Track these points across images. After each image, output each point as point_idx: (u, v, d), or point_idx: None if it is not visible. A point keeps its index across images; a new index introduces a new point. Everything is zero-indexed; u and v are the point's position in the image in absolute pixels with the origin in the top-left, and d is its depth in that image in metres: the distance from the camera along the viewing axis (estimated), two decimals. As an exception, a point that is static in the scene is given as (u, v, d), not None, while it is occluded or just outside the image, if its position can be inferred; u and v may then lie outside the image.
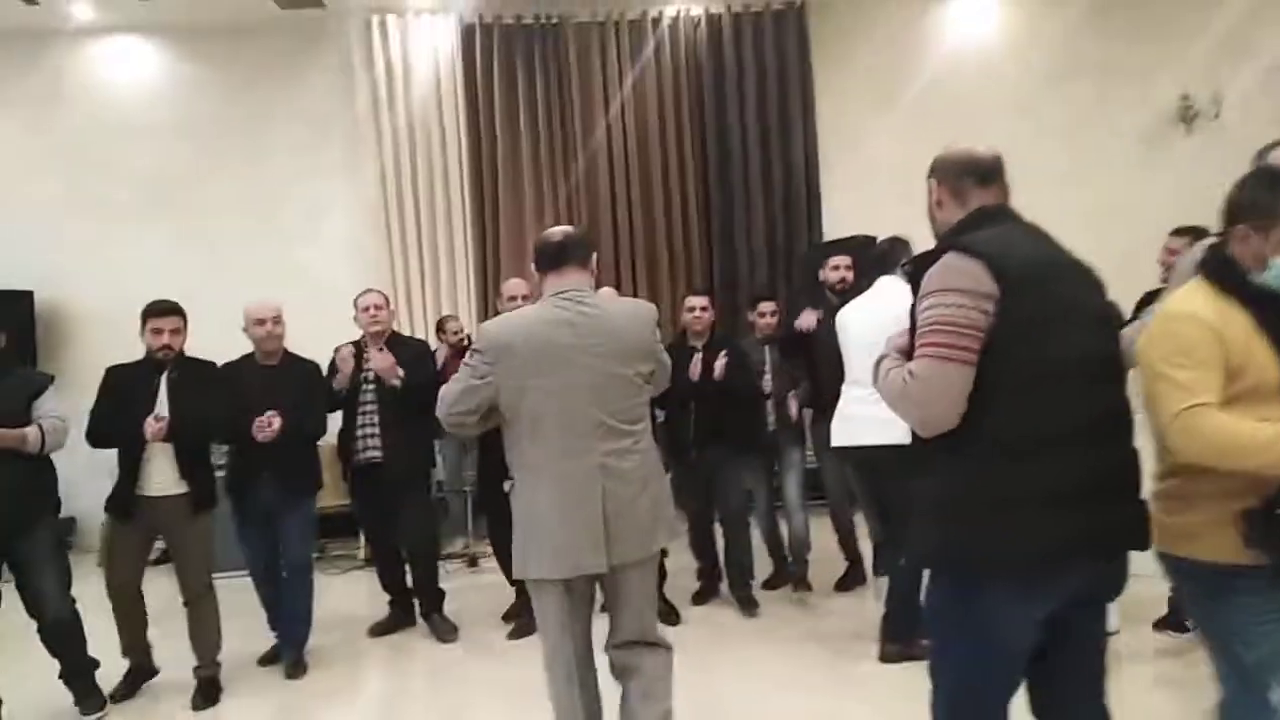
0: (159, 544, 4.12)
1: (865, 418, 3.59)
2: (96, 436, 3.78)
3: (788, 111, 7.29)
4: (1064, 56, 7.37)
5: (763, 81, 7.30)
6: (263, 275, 6.68)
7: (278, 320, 4.17)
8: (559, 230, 2.76)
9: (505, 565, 4.56)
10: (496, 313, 4.40)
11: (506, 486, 2.65)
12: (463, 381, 2.57)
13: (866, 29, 7.43)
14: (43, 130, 7.22)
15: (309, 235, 7.21)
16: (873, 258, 4.09)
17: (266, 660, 4.32)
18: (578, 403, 2.52)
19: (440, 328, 6.43)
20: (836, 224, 7.14)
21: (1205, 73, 7.30)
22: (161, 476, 3.77)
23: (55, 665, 3.77)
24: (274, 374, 4.13)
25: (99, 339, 6.43)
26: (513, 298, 4.30)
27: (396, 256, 7.21)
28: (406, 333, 6.26)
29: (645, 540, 2.60)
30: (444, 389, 2.62)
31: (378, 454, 4.40)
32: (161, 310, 3.84)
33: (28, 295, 6.87)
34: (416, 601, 4.71)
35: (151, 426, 3.67)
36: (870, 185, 7.02)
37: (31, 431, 3.53)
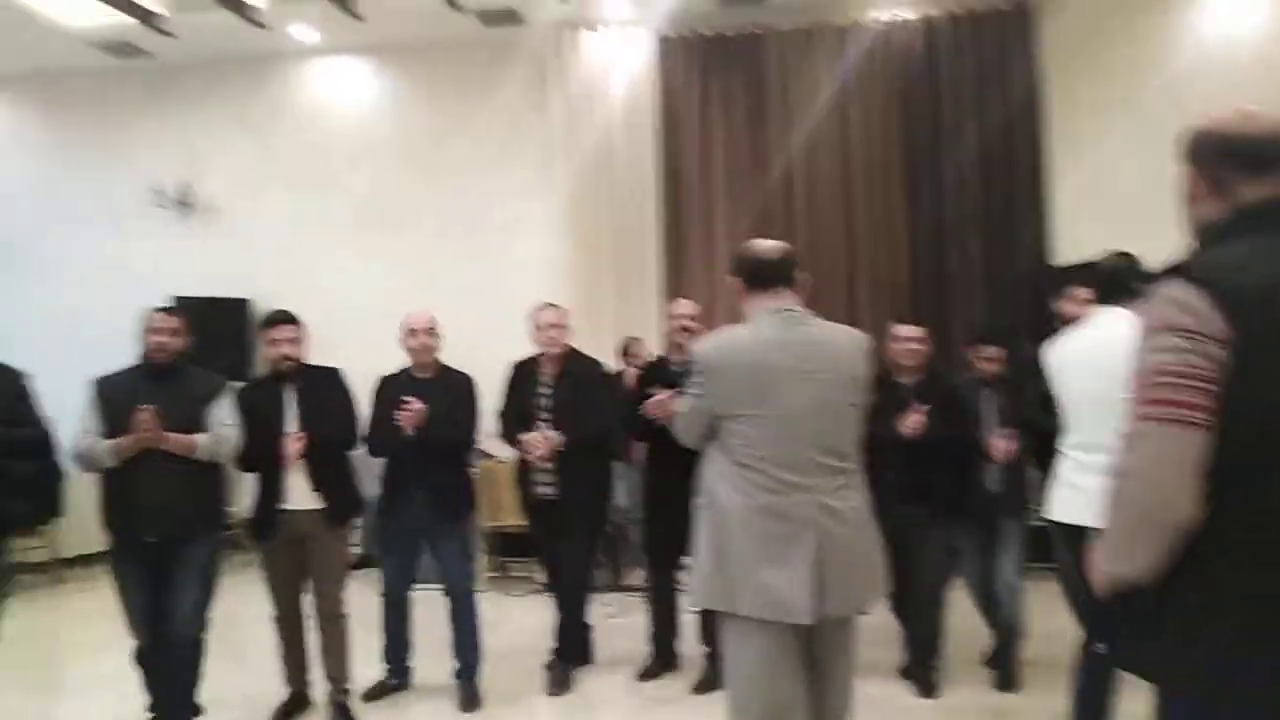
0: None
1: (1086, 489, 2.81)
2: (240, 460, 3.69)
3: (1011, 121, 6.56)
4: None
5: (983, 89, 6.61)
6: (459, 291, 6.87)
7: (431, 331, 4.05)
8: (773, 246, 2.57)
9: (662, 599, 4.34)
10: (670, 336, 4.20)
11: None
12: (686, 405, 2.54)
13: (1104, 28, 6.57)
14: (270, 147, 7.65)
15: (503, 251, 7.25)
16: (1096, 280, 3.17)
17: (373, 695, 4.09)
18: (794, 432, 2.35)
19: (625, 350, 6.23)
20: (1068, 247, 6.36)
21: None
22: (297, 490, 3.71)
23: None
24: (425, 386, 3.98)
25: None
26: (682, 321, 4.16)
27: (584, 275, 7.06)
28: (590, 354, 6.13)
29: (860, 593, 2.42)
30: (677, 418, 2.60)
31: (550, 490, 4.19)
32: (276, 320, 3.80)
33: (243, 304, 7.27)
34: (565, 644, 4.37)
35: (290, 446, 3.63)
36: (1107, 202, 6.24)
37: (202, 439, 3.42)
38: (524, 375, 4.28)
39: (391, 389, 3.99)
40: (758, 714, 2.35)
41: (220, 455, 3.50)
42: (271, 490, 3.72)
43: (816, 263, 6.80)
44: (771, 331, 2.41)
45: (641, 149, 7.01)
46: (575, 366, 4.25)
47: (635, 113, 7.02)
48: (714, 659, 4.05)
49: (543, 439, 4.05)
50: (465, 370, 4.14)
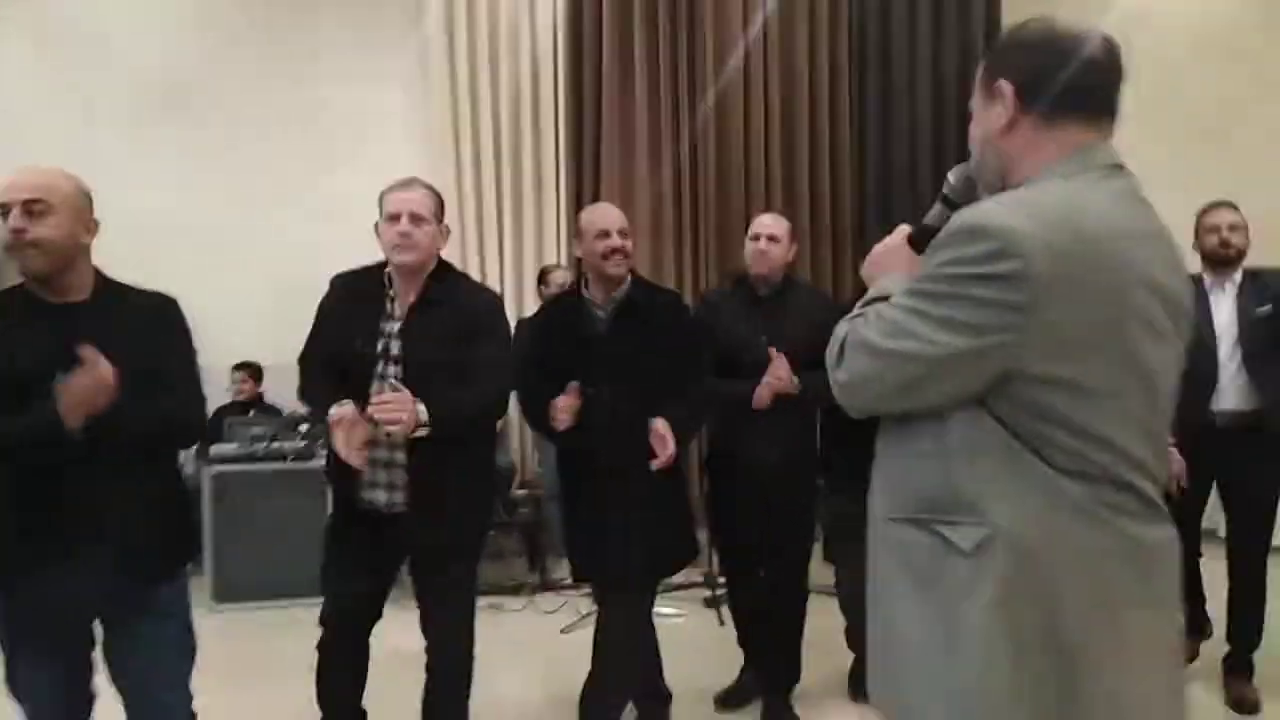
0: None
1: None
2: None
3: (968, 36, 5.87)
4: None
5: (939, 28, 5.92)
6: (291, 204, 5.35)
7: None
8: (1094, 35, 1.36)
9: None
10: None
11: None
12: (922, 338, 1.24)
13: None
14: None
15: (351, 157, 5.61)
16: None
17: None
18: (1161, 412, 1.30)
19: (542, 279, 4.96)
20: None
21: None
22: None
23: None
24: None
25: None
26: (609, 240, 2.72)
27: (468, 193, 5.64)
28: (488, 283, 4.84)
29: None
30: (863, 337, 1.31)
31: (389, 496, 2.54)
32: None
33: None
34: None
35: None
36: None
37: None
38: (337, 302, 2.60)
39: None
40: None
41: None
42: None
43: (752, 186, 5.78)
44: (1135, 209, 1.30)
45: (542, 47, 5.69)
46: (440, 291, 2.52)
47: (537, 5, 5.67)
48: None
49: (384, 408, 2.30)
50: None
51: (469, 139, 5.62)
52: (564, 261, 5.56)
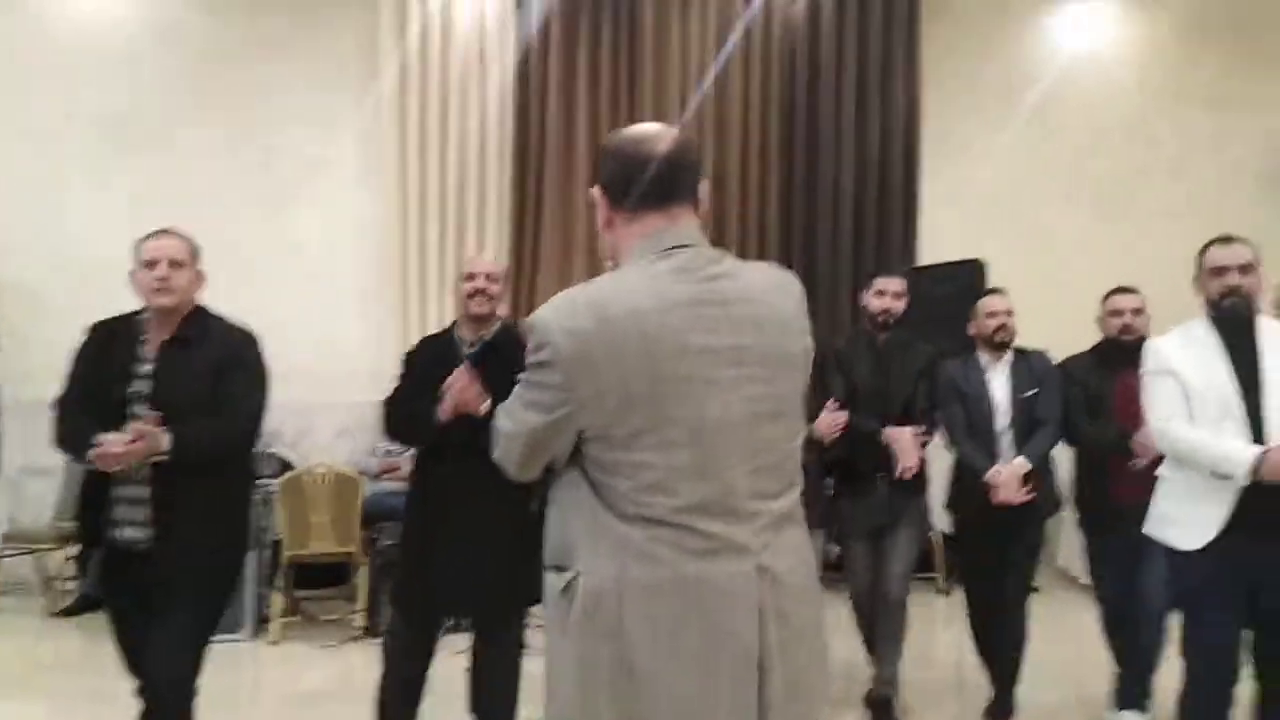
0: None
1: None
2: None
3: (890, 118, 6.29)
4: (1180, 80, 6.57)
5: (863, 76, 6.30)
6: (241, 246, 5.39)
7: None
8: (659, 133, 1.55)
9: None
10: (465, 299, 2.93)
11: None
12: (516, 420, 1.50)
13: (981, 29, 6.52)
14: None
15: (302, 200, 5.85)
16: None
17: None
18: (721, 454, 1.43)
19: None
20: (934, 244, 6.20)
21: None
22: None
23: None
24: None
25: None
26: (478, 283, 2.91)
27: (412, 241, 5.89)
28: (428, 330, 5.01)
29: (817, 705, 1.56)
30: (496, 425, 1.56)
31: (138, 533, 2.59)
32: None
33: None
34: None
35: None
36: (968, 203, 6.24)
37: None
38: (102, 342, 2.65)
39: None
40: None
41: None
42: None
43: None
44: (670, 285, 1.45)
45: (493, 104, 5.98)
46: (192, 331, 2.60)
47: (487, 63, 5.97)
48: None
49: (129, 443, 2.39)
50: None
51: (416, 187, 5.88)
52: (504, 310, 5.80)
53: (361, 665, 4.01)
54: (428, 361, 2.95)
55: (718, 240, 5.97)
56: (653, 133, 1.55)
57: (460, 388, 2.67)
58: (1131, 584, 3.32)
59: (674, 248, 1.48)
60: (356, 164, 5.97)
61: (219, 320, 2.68)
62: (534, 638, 2.88)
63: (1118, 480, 3.26)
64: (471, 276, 2.93)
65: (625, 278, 1.48)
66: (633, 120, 5.92)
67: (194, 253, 2.63)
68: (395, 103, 5.88)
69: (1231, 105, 6.50)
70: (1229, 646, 2.59)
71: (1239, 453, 2.44)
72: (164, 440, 2.38)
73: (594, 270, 5.87)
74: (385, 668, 2.94)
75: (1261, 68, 6.51)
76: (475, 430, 2.57)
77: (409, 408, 2.87)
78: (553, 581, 1.49)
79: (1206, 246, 2.70)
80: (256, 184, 5.81)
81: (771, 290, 1.55)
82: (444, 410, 2.69)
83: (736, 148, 6.17)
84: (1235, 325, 2.62)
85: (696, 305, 1.44)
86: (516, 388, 1.50)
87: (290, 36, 5.93)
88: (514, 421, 1.49)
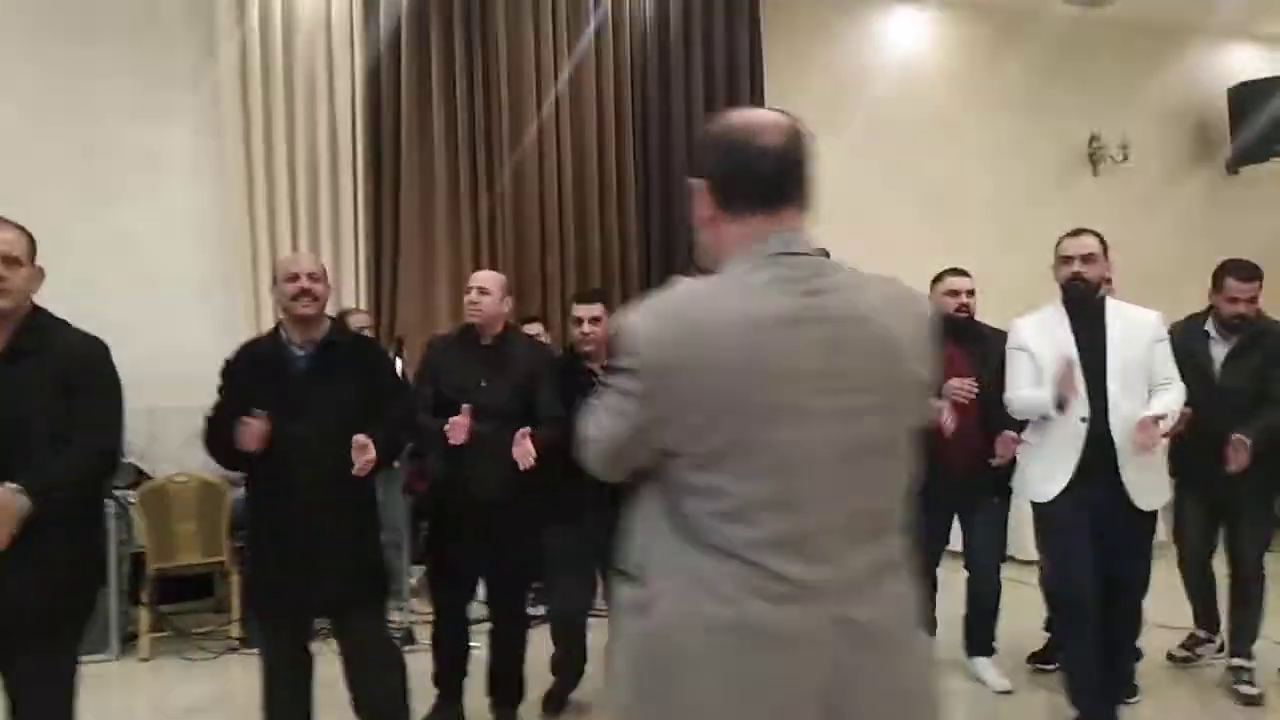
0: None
1: None
2: None
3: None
4: (991, 85, 7.26)
5: (710, 74, 6.56)
6: (67, 241, 4.93)
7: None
8: (773, 124, 1.40)
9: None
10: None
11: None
12: (600, 426, 1.44)
13: (821, 32, 6.95)
14: None
15: (134, 193, 5.46)
16: None
17: None
18: (807, 491, 1.32)
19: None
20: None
21: (1115, 116, 7.47)
22: None
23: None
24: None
25: None
26: (298, 282, 2.81)
27: (262, 234, 5.61)
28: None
29: None
30: (580, 428, 1.48)
31: None
32: None
33: None
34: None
35: None
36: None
37: None
38: None
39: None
40: None
41: None
42: None
43: (548, 248, 6.10)
44: (768, 299, 1.33)
45: (341, 90, 5.78)
46: (33, 340, 2.31)
47: (335, 59, 5.76)
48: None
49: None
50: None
51: (263, 181, 5.60)
52: (363, 304, 5.64)
53: (242, 676, 3.86)
54: (252, 371, 2.83)
55: (580, 239, 6.18)
56: (767, 124, 1.39)
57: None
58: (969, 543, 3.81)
59: (779, 254, 1.36)
60: (196, 155, 5.60)
61: (66, 326, 2.37)
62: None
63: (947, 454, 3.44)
64: (295, 277, 2.77)
65: (719, 286, 1.36)
66: (489, 121, 6.04)
67: (31, 246, 2.29)
68: (236, 90, 5.56)
69: (1034, 109, 7.24)
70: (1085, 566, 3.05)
71: (1044, 395, 3.02)
72: (17, 504, 2.07)
73: (457, 265, 5.82)
74: (264, 681, 2.86)
75: (1063, 76, 7.33)
76: (301, 437, 2.64)
77: (231, 430, 2.65)
78: (625, 592, 1.43)
79: (1061, 239, 3.14)
80: (80, 174, 5.36)
81: (887, 309, 1.37)
82: (244, 441, 2.60)
83: (594, 148, 6.25)
84: (1080, 304, 3.09)
85: (793, 323, 1.31)
86: (604, 392, 1.41)
87: (114, 11, 5.52)
88: (598, 427, 1.43)
